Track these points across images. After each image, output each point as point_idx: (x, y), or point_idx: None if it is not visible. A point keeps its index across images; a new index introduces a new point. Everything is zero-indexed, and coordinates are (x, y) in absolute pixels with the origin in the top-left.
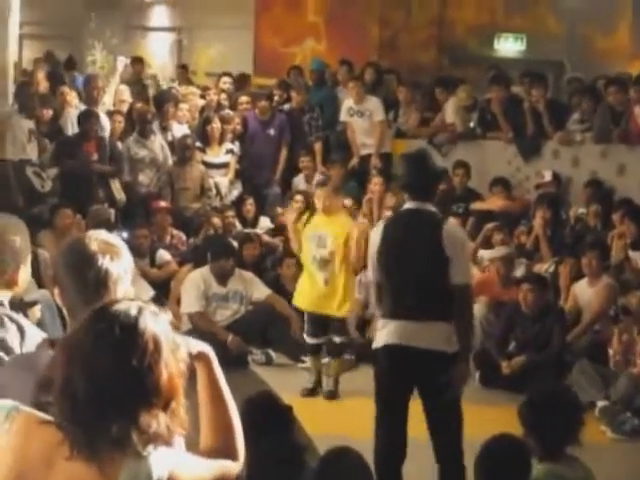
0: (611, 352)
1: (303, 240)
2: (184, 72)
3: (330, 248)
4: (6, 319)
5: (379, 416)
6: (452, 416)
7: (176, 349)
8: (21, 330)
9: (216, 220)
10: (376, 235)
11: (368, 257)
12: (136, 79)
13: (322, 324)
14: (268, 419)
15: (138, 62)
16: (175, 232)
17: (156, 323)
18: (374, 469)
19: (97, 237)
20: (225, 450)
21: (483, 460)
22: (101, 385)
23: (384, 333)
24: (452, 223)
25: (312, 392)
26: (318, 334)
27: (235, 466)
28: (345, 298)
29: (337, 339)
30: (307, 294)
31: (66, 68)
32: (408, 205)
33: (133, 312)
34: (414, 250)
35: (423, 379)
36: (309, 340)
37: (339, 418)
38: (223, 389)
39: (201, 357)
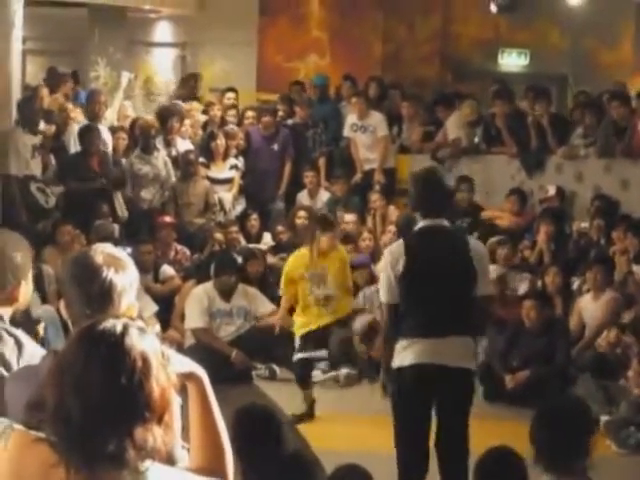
0: (631, 374)
1: (298, 281)
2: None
3: (332, 284)
4: (4, 333)
5: (404, 436)
6: (466, 432)
7: (166, 363)
8: (19, 344)
9: (219, 235)
10: (397, 254)
11: (381, 278)
12: (189, 93)
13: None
14: (261, 430)
15: (192, 78)
16: (179, 247)
17: (142, 339)
18: None
19: (103, 250)
20: (215, 470)
21: (480, 472)
22: (94, 405)
23: (411, 352)
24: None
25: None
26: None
27: None
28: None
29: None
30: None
31: None
32: (425, 223)
33: (119, 330)
34: (446, 266)
35: (446, 395)
36: (302, 354)
37: (344, 433)
38: (214, 410)
39: (192, 377)
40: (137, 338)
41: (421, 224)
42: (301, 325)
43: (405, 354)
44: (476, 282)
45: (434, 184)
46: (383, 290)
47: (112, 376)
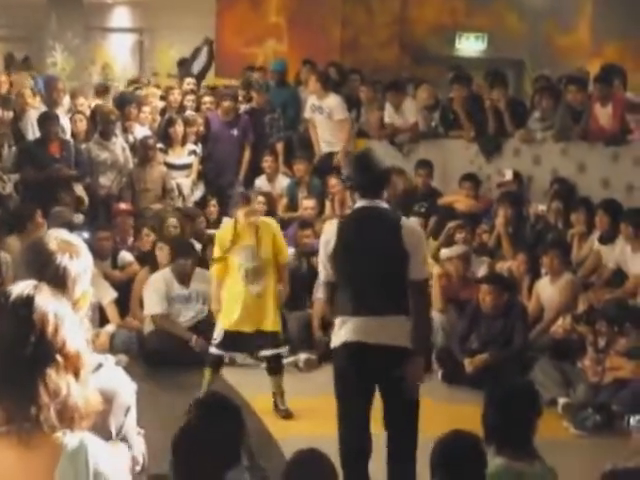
0: (587, 363)
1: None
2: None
3: (263, 257)
4: None
5: (342, 415)
6: (411, 414)
7: (78, 323)
8: None
9: (173, 220)
10: (329, 234)
11: (319, 257)
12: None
13: (240, 339)
14: (219, 419)
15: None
16: (145, 231)
17: (53, 298)
18: (341, 468)
19: (57, 236)
20: None
21: (437, 457)
22: (6, 357)
23: (343, 331)
24: (410, 220)
25: None
26: (232, 348)
27: None
28: (276, 311)
29: (270, 352)
30: (236, 312)
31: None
32: (361, 203)
33: (28, 291)
34: (374, 247)
35: (384, 376)
36: (218, 351)
37: (304, 418)
38: None
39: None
40: (46, 297)
41: (358, 204)
42: (227, 317)
43: (338, 333)
44: (408, 263)
45: (368, 165)
46: (320, 269)
47: (22, 330)
